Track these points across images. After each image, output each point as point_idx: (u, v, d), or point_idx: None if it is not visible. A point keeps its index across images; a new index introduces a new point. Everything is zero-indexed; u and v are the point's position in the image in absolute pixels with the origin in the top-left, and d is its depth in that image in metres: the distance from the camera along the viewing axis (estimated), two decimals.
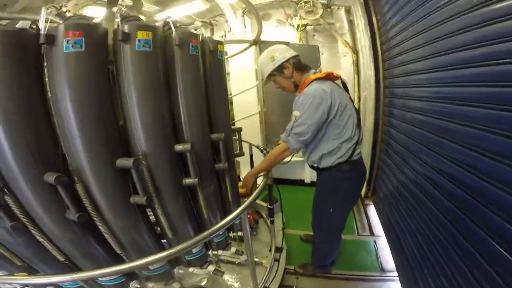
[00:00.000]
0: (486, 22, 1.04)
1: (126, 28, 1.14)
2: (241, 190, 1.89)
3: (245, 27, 3.49)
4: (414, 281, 1.70)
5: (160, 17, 1.53)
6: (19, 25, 0.98)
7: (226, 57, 3.68)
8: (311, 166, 1.96)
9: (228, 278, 2.02)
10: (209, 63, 1.54)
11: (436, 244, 1.44)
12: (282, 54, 1.77)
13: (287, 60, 1.76)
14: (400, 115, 2.23)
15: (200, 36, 1.46)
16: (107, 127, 1.16)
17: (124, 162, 1.15)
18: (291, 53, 1.80)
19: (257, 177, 1.94)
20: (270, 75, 1.83)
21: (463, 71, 1.24)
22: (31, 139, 1.02)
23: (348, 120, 1.68)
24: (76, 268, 1.27)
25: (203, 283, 1.96)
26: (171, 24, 1.30)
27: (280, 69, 1.78)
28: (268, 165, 1.82)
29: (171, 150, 1.31)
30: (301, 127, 1.60)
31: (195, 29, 1.48)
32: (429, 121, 1.59)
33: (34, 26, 1.06)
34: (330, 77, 1.73)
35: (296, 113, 1.62)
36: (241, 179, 2.20)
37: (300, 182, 3.99)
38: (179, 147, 1.31)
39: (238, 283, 1.97)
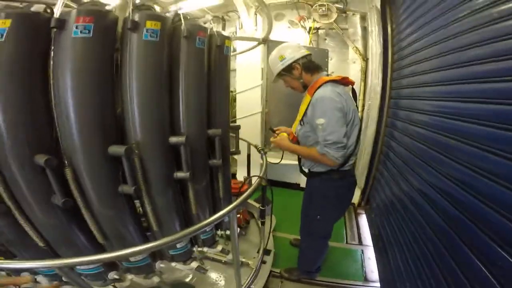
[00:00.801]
0: (501, 37, 1.00)
1: (136, 17, 1.14)
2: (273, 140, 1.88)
3: (256, 25, 3.45)
4: None
5: (173, 8, 1.52)
6: (34, 8, 1.02)
7: (234, 53, 3.65)
8: (302, 171, 1.95)
9: (213, 276, 2.03)
10: (215, 58, 1.51)
11: (422, 260, 1.44)
12: (292, 53, 1.73)
13: (296, 61, 1.72)
14: (402, 127, 2.19)
15: (209, 30, 1.44)
16: (104, 113, 1.15)
17: (116, 149, 1.13)
18: (302, 52, 1.75)
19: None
20: (279, 74, 1.80)
21: (471, 86, 1.20)
22: (26, 119, 1.02)
23: (353, 130, 1.66)
24: (55, 255, 1.25)
25: (187, 279, 1.96)
26: (181, 16, 1.30)
27: (289, 69, 1.74)
28: (303, 154, 1.79)
29: (165, 141, 1.29)
30: (334, 135, 1.52)
31: (205, 23, 1.46)
32: (431, 136, 1.56)
33: (49, 11, 1.08)
34: (344, 81, 1.69)
35: (321, 120, 1.54)
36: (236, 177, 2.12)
37: (295, 186, 3.97)
38: (173, 139, 1.29)
39: (223, 281, 1.98)
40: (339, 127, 1.53)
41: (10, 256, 1.27)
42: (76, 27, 1.01)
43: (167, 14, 1.32)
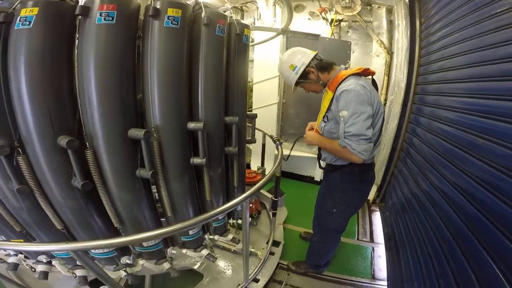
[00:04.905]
0: None
1: (157, 4, 1.15)
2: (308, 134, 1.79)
3: (275, 16, 3.39)
4: None
5: None
6: None
7: (252, 44, 3.61)
8: (321, 165, 1.91)
9: (221, 264, 2.07)
10: (234, 46, 1.50)
11: (434, 259, 1.41)
12: (301, 60, 1.69)
13: (308, 65, 1.68)
14: (427, 124, 2.13)
15: (228, 19, 1.43)
16: (125, 98, 1.17)
17: (135, 132, 1.15)
18: (310, 54, 1.71)
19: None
20: (297, 83, 1.76)
21: (505, 83, 1.15)
22: (51, 102, 1.05)
23: (378, 121, 1.60)
24: (72, 238, 1.30)
25: (195, 267, 2.01)
26: (201, 4, 1.29)
27: (304, 75, 1.71)
28: (328, 148, 1.69)
29: (183, 127, 1.30)
30: (354, 126, 1.43)
31: (224, 11, 1.45)
32: (457, 134, 1.50)
33: None
34: (365, 73, 1.63)
35: (343, 113, 1.48)
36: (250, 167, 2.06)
37: (309, 179, 3.95)
38: (191, 125, 1.30)
39: (230, 270, 2.01)
40: (362, 120, 1.44)
41: (30, 239, 1.32)
42: (100, 14, 1.03)
43: (188, 2, 1.32)
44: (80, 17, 1.06)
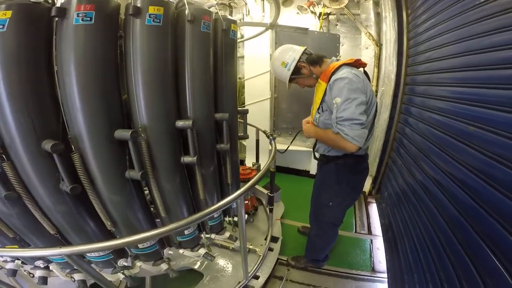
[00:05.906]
0: None
1: (138, 3, 1.12)
2: (305, 127, 1.79)
3: (263, 11, 3.37)
4: (402, 285, 1.69)
5: None
6: None
7: (241, 40, 3.59)
8: (316, 156, 1.91)
9: (221, 262, 2.06)
10: (221, 42, 1.48)
11: (432, 250, 1.41)
12: (292, 55, 1.71)
13: (299, 60, 1.70)
14: (418, 114, 2.15)
15: (214, 14, 1.41)
16: (109, 99, 1.14)
17: (122, 133, 1.12)
18: (299, 49, 1.72)
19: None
20: (291, 80, 1.77)
21: (491, 72, 1.17)
22: (32, 106, 1.02)
23: (371, 111, 1.60)
24: (66, 242, 1.27)
25: (195, 266, 2.00)
26: (185, 1, 1.26)
27: (297, 71, 1.72)
28: (322, 138, 1.67)
29: (172, 125, 1.28)
30: (346, 111, 1.40)
31: (209, 7, 1.43)
32: (448, 123, 1.51)
33: (50, 0, 1.08)
34: (356, 64, 1.63)
35: (337, 100, 1.46)
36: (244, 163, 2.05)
37: (304, 173, 3.96)
38: (180, 123, 1.27)
39: (230, 268, 2.01)
40: (354, 105, 1.41)
41: (25, 245, 1.30)
42: (77, 15, 1.00)
43: (171, 0, 1.29)
44: (56, 18, 1.03)
